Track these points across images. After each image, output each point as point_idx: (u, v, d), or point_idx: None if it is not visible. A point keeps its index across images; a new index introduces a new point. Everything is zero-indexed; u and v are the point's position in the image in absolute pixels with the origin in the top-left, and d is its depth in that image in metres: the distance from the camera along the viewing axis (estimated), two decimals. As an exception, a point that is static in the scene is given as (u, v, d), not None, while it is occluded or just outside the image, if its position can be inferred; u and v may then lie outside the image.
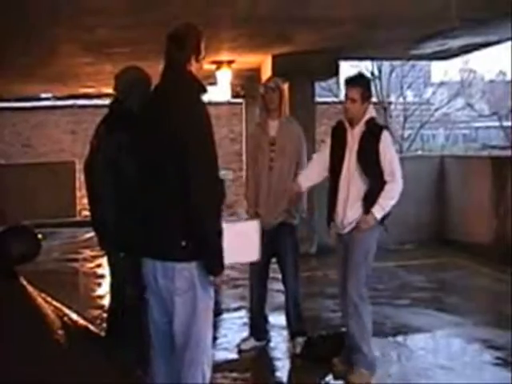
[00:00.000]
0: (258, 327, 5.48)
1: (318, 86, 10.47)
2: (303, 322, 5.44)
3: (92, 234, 4.57)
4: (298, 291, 5.42)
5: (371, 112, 4.65)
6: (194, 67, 3.43)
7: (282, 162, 5.20)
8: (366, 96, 4.64)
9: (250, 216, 5.33)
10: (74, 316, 2.74)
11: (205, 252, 3.27)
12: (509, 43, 9.69)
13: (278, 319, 5.56)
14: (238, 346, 5.44)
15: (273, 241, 5.19)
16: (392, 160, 4.56)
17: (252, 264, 5.27)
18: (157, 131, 3.34)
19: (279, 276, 5.47)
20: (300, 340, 5.32)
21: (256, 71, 10.58)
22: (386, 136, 4.56)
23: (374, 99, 24.75)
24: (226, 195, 6.95)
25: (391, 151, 4.61)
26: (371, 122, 4.60)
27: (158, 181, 3.32)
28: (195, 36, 3.48)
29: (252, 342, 5.44)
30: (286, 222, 5.25)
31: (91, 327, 2.92)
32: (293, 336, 5.40)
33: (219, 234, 3.28)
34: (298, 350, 5.28)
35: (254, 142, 5.43)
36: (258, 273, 5.35)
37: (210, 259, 3.29)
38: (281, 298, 5.45)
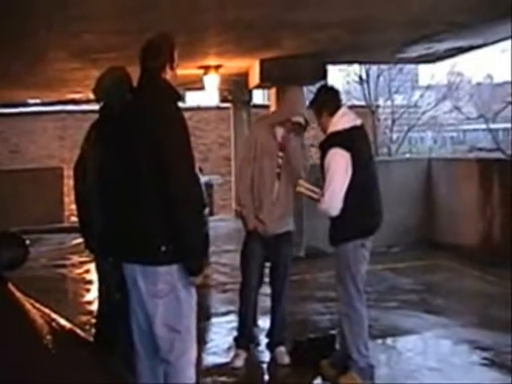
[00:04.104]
0: (249, 335, 5.33)
1: (306, 90, 10.48)
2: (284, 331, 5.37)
3: (80, 239, 4.57)
4: (286, 301, 5.36)
5: (335, 125, 4.58)
6: (168, 75, 3.51)
7: (290, 171, 5.05)
8: (321, 109, 4.66)
9: (246, 220, 5.13)
10: (63, 321, 2.75)
11: (186, 254, 3.32)
12: (495, 46, 9.75)
13: (266, 323, 5.55)
14: (231, 364, 5.18)
15: (271, 248, 5.13)
16: (327, 179, 4.48)
17: (244, 273, 5.23)
18: (133, 138, 3.40)
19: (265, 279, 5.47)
20: (282, 349, 5.25)
21: (244, 76, 10.61)
22: (330, 154, 4.46)
23: (361, 103, 24.96)
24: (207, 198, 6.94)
25: (330, 171, 4.45)
26: (325, 144, 4.57)
27: (135, 187, 3.37)
28: (169, 44, 3.56)
29: (243, 356, 5.23)
30: (288, 231, 5.19)
31: (80, 332, 2.92)
32: (272, 346, 5.32)
33: (200, 235, 3.37)
34: (287, 359, 5.20)
35: (260, 143, 5.06)
36: (253, 280, 5.17)
37: (191, 261, 3.34)
38: (268, 302, 5.44)
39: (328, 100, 4.71)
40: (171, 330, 3.37)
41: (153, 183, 3.29)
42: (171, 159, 3.27)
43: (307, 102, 5.23)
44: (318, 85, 8.47)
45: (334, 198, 4.46)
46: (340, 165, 4.45)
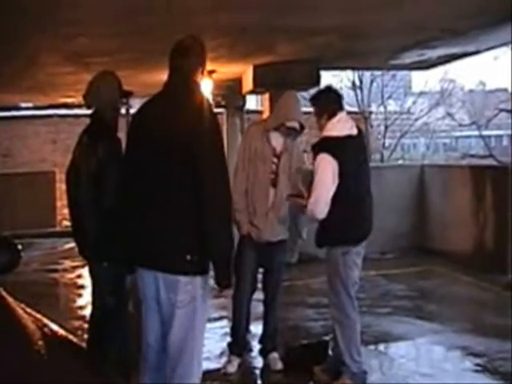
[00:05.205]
0: (241, 342, 5.31)
1: (300, 96, 10.49)
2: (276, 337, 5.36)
3: (72, 244, 4.54)
4: (279, 307, 5.36)
5: (329, 130, 4.60)
6: (199, 78, 3.43)
7: (285, 179, 5.01)
8: (321, 111, 4.68)
9: (240, 225, 5.04)
10: (55, 327, 2.72)
11: (219, 264, 3.25)
12: (488, 53, 9.78)
13: (259, 329, 5.53)
14: (224, 370, 5.18)
15: (264, 254, 5.09)
16: (314, 182, 4.50)
17: (238, 280, 5.10)
18: (166, 140, 3.23)
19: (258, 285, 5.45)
20: (275, 355, 5.25)
21: (237, 81, 10.61)
22: (319, 158, 4.50)
23: (354, 109, 25.04)
24: None
25: (318, 175, 4.49)
26: (316, 147, 4.58)
27: (163, 192, 3.23)
28: (200, 46, 3.48)
29: (236, 362, 5.23)
30: (283, 239, 5.16)
31: (72, 338, 2.90)
32: (265, 351, 5.31)
33: (231, 246, 3.30)
34: (280, 365, 5.20)
35: (254, 147, 5.00)
36: (247, 285, 5.12)
37: (222, 272, 3.27)
38: (261, 308, 5.43)
39: (329, 102, 4.68)
40: (184, 340, 3.31)
41: (187, 191, 3.18)
42: (209, 166, 3.16)
43: (303, 107, 5.23)
44: (311, 91, 8.51)
45: (319, 202, 4.46)
46: (327, 171, 4.45)
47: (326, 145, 4.54)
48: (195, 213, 3.17)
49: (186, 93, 3.35)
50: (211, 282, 3.34)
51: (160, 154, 3.24)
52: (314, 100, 4.82)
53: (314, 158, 4.56)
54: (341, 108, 4.72)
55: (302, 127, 5.00)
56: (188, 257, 3.20)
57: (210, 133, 3.23)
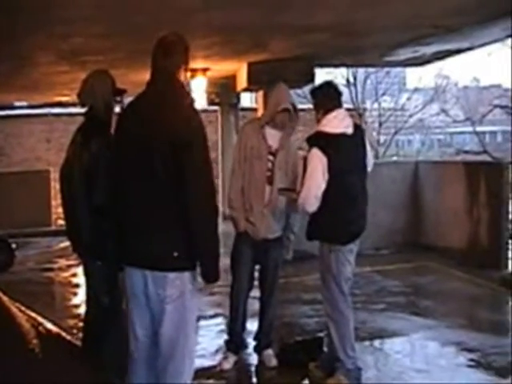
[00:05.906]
0: (238, 340, 5.32)
1: (294, 93, 10.49)
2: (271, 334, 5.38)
3: (67, 243, 4.54)
4: (276, 304, 5.37)
5: (324, 125, 4.59)
6: (182, 77, 3.42)
7: (281, 176, 5.02)
8: (317, 105, 4.70)
9: (236, 222, 5.09)
10: (50, 325, 2.73)
11: (205, 261, 3.27)
12: (482, 49, 9.78)
13: (254, 325, 5.55)
14: (219, 367, 5.20)
15: (261, 251, 5.10)
16: (306, 175, 4.54)
17: (235, 277, 5.18)
18: (151, 139, 3.23)
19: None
20: (270, 352, 5.28)
21: (231, 79, 10.62)
22: (311, 153, 4.52)
23: (348, 106, 25.06)
24: None
25: (309, 169, 4.51)
26: (310, 140, 4.59)
27: (149, 190, 3.24)
28: (183, 44, 3.46)
29: (232, 359, 5.25)
30: (280, 236, 5.17)
31: (67, 336, 2.91)
32: (260, 348, 5.33)
33: (217, 243, 3.30)
34: (274, 362, 5.22)
35: (250, 145, 5.01)
36: (244, 282, 5.15)
37: (208, 268, 3.29)
38: (257, 305, 5.44)
39: (327, 98, 4.68)
40: (175, 337, 3.31)
41: (172, 189, 3.20)
42: (195, 166, 3.18)
43: (298, 104, 5.24)
44: (305, 88, 8.49)
45: (309, 196, 4.49)
46: (317, 166, 4.47)
47: (318, 140, 4.55)
48: (181, 211, 3.20)
49: (170, 92, 3.35)
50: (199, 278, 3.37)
51: (146, 154, 3.25)
52: (313, 93, 4.85)
53: (309, 151, 4.58)
54: (339, 105, 4.70)
55: (296, 110, 5.00)
56: (175, 253, 3.23)
57: (194, 132, 3.25)
